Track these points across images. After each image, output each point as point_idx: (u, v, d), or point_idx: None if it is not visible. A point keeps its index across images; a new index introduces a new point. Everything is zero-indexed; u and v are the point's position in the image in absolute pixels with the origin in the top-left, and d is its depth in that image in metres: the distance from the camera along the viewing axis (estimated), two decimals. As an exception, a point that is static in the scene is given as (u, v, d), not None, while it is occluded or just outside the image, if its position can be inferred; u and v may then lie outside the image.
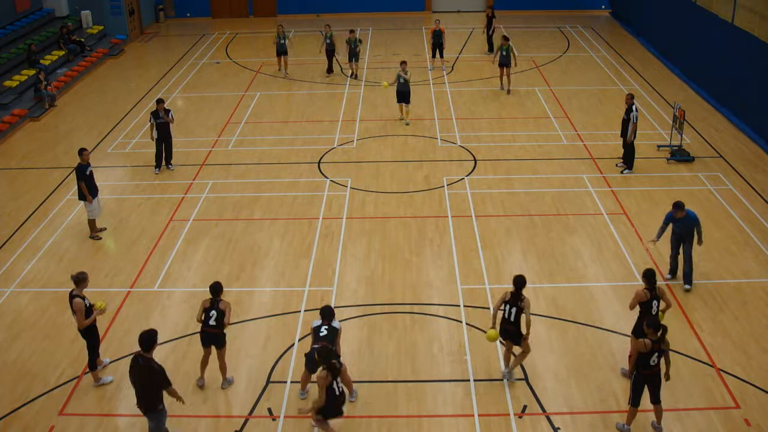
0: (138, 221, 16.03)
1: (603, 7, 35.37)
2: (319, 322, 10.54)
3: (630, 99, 17.44)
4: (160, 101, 18.20)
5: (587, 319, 12.46)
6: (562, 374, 11.22)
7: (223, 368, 11.11)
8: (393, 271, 14.02)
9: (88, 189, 15.06)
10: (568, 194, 16.84)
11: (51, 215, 16.51)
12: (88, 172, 15.12)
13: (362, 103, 23.16)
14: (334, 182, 17.65)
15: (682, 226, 13.07)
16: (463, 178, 17.71)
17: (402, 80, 20.96)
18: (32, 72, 24.48)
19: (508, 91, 23.77)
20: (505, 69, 23.67)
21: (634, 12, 31.33)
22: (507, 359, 11.23)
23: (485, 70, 26.30)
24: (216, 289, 10.83)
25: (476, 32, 32.03)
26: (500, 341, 11.20)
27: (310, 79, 25.76)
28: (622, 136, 17.57)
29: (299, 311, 12.86)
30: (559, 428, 10.21)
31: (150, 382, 9.26)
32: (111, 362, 11.74)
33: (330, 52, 25.62)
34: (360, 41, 25.41)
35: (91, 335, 11.08)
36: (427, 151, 19.35)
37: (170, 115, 18.26)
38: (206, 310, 10.80)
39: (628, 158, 17.77)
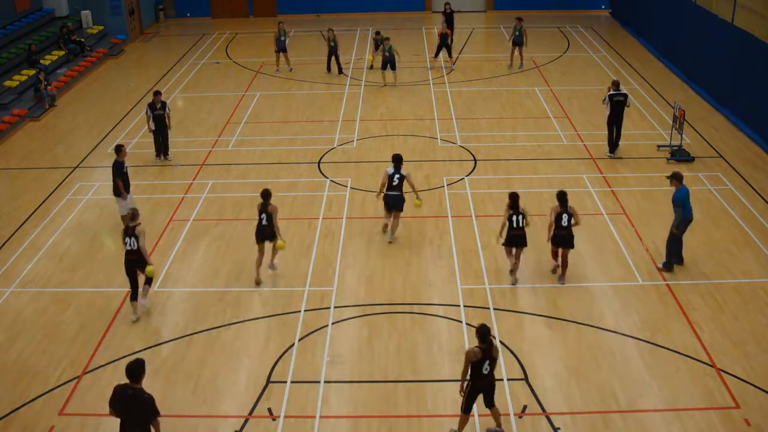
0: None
1: (603, 7, 35.38)
2: (392, 170, 14.52)
3: (612, 85, 18.22)
4: (157, 93, 18.58)
5: (587, 319, 12.45)
6: (562, 374, 11.22)
7: (272, 257, 13.97)
8: (393, 271, 14.01)
9: (124, 186, 15.25)
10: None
11: (51, 215, 16.51)
12: (125, 169, 15.28)
13: (362, 103, 23.16)
14: (334, 182, 17.66)
15: (672, 198, 13.53)
16: (463, 178, 17.71)
17: (387, 54, 23.81)
18: (32, 72, 24.48)
19: (521, 65, 26.20)
20: (518, 48, 25.96)
21: (634, 12, 31.34)
22: (515, 266, 13.54)
23: (485, 70, 26.32)
24: (265, 194, 13.46)
25: (476, 32, 32.05)
26: (507, 249, 13.51)
27: (310, 79, 25.78)
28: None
29: (299, 311, 12.86)
30: (559, 428, 10.21)
31: (141, 413, 8.74)
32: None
33: (331, 53, 25.77)
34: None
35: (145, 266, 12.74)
36: (427, 151, 19.35)
37: (167, 108, 18.53)
38: (259, 212, 13.47)
39: (609, 141, 18.72)
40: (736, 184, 17.22)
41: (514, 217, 13.17)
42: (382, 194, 14.68)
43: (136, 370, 8.79)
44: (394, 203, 14.68)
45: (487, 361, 9.45)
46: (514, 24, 25.95)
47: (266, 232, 13.50)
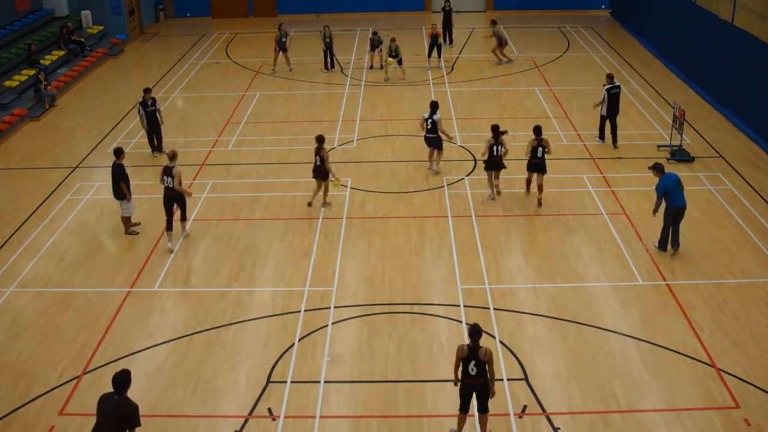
0: (138, 221, 16.00)
1: (603, 7, 35.39)
2: (427, 114, 17.40)
3: (607, 78, 19.19)
4: (147, 90, 18.86)
5: (587, 319, 12.46)
6: (562, 374, 11.22)
7: (325, 196, 16.34)
8: (393, 271, 14.01)
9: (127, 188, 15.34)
10: (568, 194, 16.84)
11: (51, 215, 16.51)
12: (126, 171, 15.37)
13: (362, 103, 23.16)
14: (334, 182, 17.66)
15: (655, 188, 14.20)
16: (463, 178, 17.71)
17: (394, 53, 24.87)
18: (32, 72, 24.49)
19: (508, 61, 27.00)
20: (499, 48, 26.86)
21: (634, 12, 31.34)
22: (492, 185, 16.53)
23: (485, 70, 26.33)
24: (319, 139, 16.09)
25: (476, 32, 32.06)
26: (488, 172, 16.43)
27: (310, 79, 25.78)
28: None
29: (299, 311, 12.86)
30: (559, 428, 10.21)
31: (123, 419, 8.72)
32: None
33: (327, 50, 26.04)
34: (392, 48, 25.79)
35: (181, 202, 14.87)
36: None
37: (157, 104, 18.98)
38: (315, 155, 15.94)
39: (601, 129, 19.63)
40: (736, 184, 17.22)
41: (494, 147, 16.00)
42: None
43: (121, 381, 8.80)
44: (429, 142, 17.79)
45: (473, 362, 9.44)
46: (492, 27, 27.01)
47: (320, 172, 15.94)
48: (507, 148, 16.35)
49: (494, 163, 16.21)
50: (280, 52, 26.01)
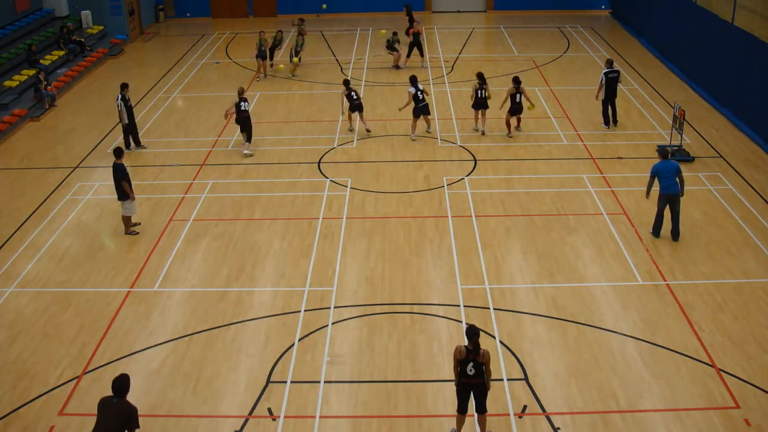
0: (138, 221, 16.01)
1: (603, 7, 35.39)
2: (413, 89, 19.63)
3: (606, 63, 20.40)
4: (126, 85, 19.44)
5: (587, 319, 12.46)
6: (562, 374, 11.22)
7: (364, 124, 20.34)
8: (393, 271, 14.01)
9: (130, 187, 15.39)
10: (568, 194, 16.84)
11: (51, 215, 16.51)
12: (126, 171, 15.36)
13: (362, 102, 23.10)
14: (334, 182, 17.66)
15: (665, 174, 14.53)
16: (463, 178, 17.71)
17: (299, 48, 26.03)
18: (32, 72, 24.48)
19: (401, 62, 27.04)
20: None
21: (634, 12, 31.34)
22: (477, 121, 20.33)
23: (485, 70, 26.25)
24: (346, 82, 20.15)
25: (476, 32, 32.06)
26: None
27: (310, 79, 25.78)
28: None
29: (299, 311, 12.86)
30: (559, 428, 10.22)
31: (122, 421, 8.78)
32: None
33: (275, 47, 26.43)
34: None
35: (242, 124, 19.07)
36: (427, 151, 19.36)
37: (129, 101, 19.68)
38: (351, 92, 19.95)
39: (604, 115, 20.54)
40: (736, 184, 17.22)
41: (479, 91, 19.58)
42: (412, 107, 20.01)
43: (120, 385, 8.84)
44: (422, 111, 20.16)
45: (471, 363, 9.44)
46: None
47: (360, 107, 20.05)
48: (490, 93, 19.75)
49: (480, 103, 19.67)
50: (261, 59, 25.65)
